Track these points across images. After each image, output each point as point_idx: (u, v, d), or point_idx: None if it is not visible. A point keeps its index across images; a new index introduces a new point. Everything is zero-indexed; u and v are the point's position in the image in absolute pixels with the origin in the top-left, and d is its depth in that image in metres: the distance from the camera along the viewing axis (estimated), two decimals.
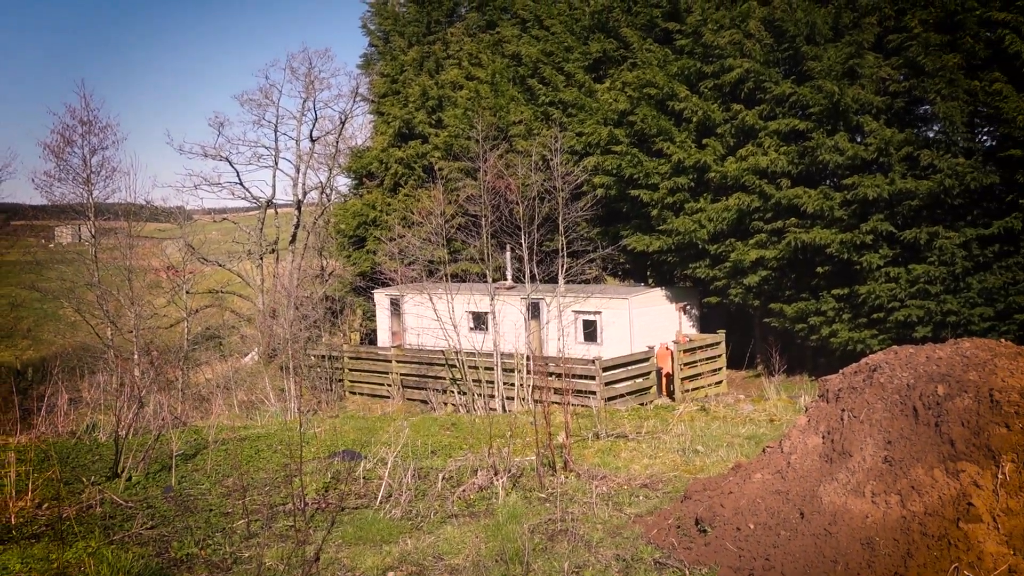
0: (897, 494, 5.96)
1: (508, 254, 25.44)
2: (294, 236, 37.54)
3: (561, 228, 22.57)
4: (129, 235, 27.25)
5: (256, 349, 32.70)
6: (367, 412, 21.39)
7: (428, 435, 13.27)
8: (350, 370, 26.24)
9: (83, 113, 27.43)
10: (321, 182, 38.54)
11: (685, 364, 21.94)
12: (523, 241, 22.39)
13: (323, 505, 8.69)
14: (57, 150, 27.51)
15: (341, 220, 32.49)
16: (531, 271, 22.59)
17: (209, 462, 10.81)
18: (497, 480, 8.95)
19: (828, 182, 21.28)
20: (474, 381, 21.86)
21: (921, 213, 19.39)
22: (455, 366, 22.62)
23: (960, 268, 18.67)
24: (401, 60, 31.32)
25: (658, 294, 24.06)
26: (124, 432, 10.71)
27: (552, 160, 22.74)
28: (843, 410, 6.91)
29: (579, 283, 24.64)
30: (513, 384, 21.10)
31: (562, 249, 22.66)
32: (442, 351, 23.17)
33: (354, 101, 37.77)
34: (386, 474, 9.12)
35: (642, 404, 19.99)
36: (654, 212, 23.32)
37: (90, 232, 28.28)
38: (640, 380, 21.26)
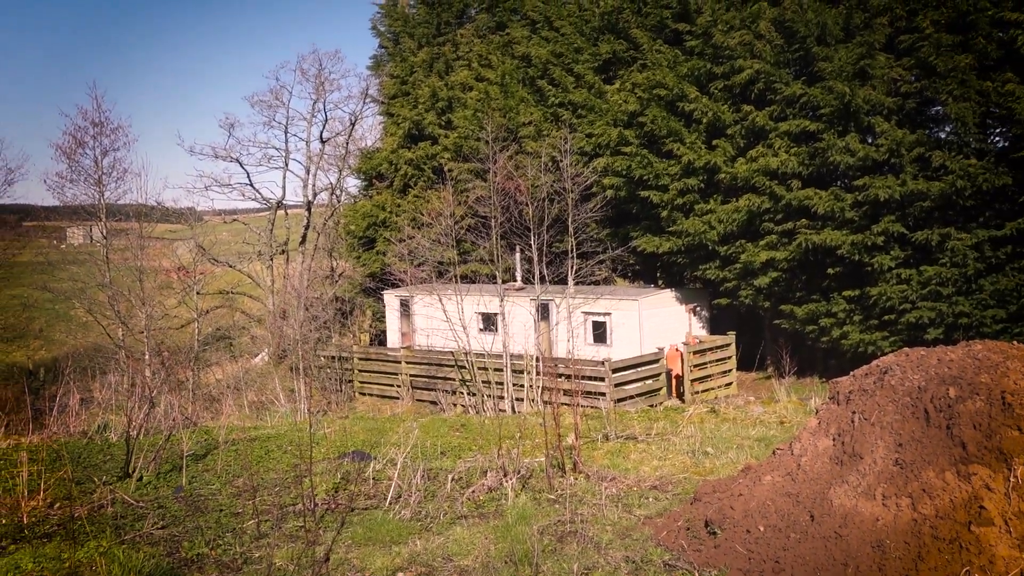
0: (908, 497, 5.94)
1: (518, 255, 25.44)
2: (304, 237, 37.64)
3: (571, 229, 22.56)
4: (140, 236, 27.35)
5: (266, 350, 32.80)
6: (377, 413, 21.41)
7: (437, 436, 13.28)
8: (360, 371, 26.28)
9: (95, 114, 27.64)
10: (331, 183, 38.66)
11: (695, 366, 21.90)
12: (533, 242, 22.39)
13: (333, 506, 8.71)
14: (69, 151, 27.72)
15: (351, 221, 32.56)
16: (541, 272, 22.59)
17: (219, 462, 10.84)
18: (506, 481, 8.95)
19: (839, 183, 21.20)
20: (483, 382, 21.88)
21: (933, 214, 19.30)
22: (464, 367, 22.63)
23: (972, 270, 18.57)
24: (411, 61, 31.36)
25: (668, 295, 24.02)
26: (135, 432, 10.75)
27: (562, 161, 22.73)
28: (854, 412, 6.88)
29: (589, 284, 24.64)
30: (522, 385, 21.09)
31: (572, 250, 22.65)
32: (452, 352, 23.19)
33: (364, 102, 37.89)
34: (396, 475, 9.13)
35: (652, 406, 19.96)
36: (664, 213, 23.28)
37: (101, 233, 28.45)
38: (650, 381, 21.23)
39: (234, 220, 43.66)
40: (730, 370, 23.21)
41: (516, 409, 20.74)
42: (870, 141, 20.07)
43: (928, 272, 19.04)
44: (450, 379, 23.18)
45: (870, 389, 6.96)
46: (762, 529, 6.56)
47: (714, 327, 25.15)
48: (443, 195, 25.43)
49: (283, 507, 8.75)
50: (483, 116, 26.55)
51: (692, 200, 22.84)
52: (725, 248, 22.42)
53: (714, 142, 22.40)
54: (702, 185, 22.68)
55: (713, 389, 22.26)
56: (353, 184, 37.51)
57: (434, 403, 22.81)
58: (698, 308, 24.71)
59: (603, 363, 20.07)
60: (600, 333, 23.15)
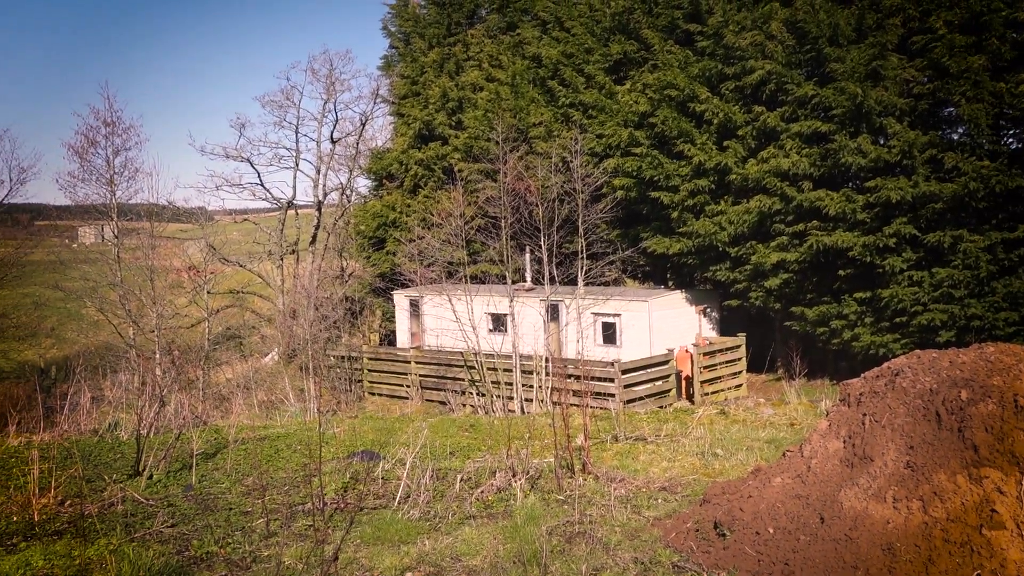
0: (919, 500, 5.90)
1: (527, 256, 25.44)
2: (314, 237, 37.74)
3: (581, 230, 22.54)
4: (151, 235, 27.48)
5: (276, 349, 32.90)
6: (386, 413, 21.45)
7: (447, 436, 13.29)
8: (369, 371, 26.32)
9: (107, 114, 27.84)
10: (341, 183, 38.77)
11: (705, 367, 21.85)
12: (542, 243, 22.38)
13: (342, 505, 8.72)
14: (81, 151, 27.89)
15: (361, 221, 32.62)
16: (550, 273, 22.58)
17: (229, 461, 10.88)
18: (515, 482, 8.95)
19: (851, 184, 21.11)
20: (493, 383, 21.88)
21: (945, 216, 19.19)
22: (474, 367, 22.64)
23: (985, 272, 18.46)
24: (421, 62, 31.40)
25: (678, 296, 23.97)
26: (145, 431, 10.81)
27: (572, 162, 22.71)
28: (865, 415, 6.85)
29: (598, 285, 24.61)
30: (532, 386, 21.09)
31: (581, 251, 22.63)
32: (461, 352, 23.20)
33: (374, 103, 38.00)
34: (405, 475, 9.14)
35: (661, 407, 19.93)
36: (674, 214, 23.22)
37: (113, 232, 28.60)
38: (659, 383, 21.19)
39: (245, 220, 43.83)
40: (740, 372, 23.15)
41: (525, 410, 20.74)
42: (882, 142, 19.98)
43: (940, 274, 18.94)
44: (459, 379, 23.19)
45: (881, 391, 6.93)
46: (771, 531, 6.54)
47: (724, 328, 25.08)
48: (453, 195, 25.45)
49: (292, 506, 8.78)
50: (493, 116, 26.55)
51: (703, 201, 22.78)
52: (736, 249, 22.35)
53: (725, 143, 22.33)
54: (713, 186, 22.62)
55: (723, 391, 22.21)
56: (363, 184, 37.68)
57: (443, 403, 22.83)
58: (708, 309, 24.65)
59: (613, 364, 20.04)
60: (610, 334, 23.12)
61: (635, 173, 23.69)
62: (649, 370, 21.06)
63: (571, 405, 11.34)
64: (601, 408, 17.30)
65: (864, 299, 20.39)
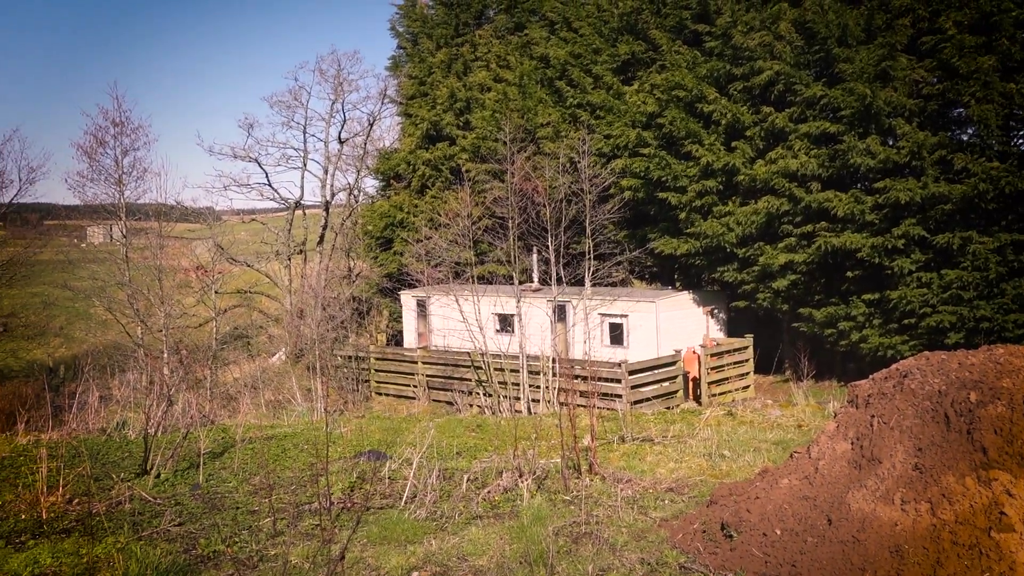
0: (927, 502, 5.88)
1: (535, 256, 25.43)
2: (322, 237, 37.79)
3: (588, 231, 22.52)
4: (159, 235, 27.56)
5: (283, 349, 32.95)
6: (393, 413, 21.46)
7: (453, 436, 13.29)
8: (376, 371, 26.36)
9: (115, 114, 27.91)
10: (349, 183, 38.82)
11: (712, 368, 21.81)
12: (550, 243, 22.37)
13: (348, 504, 8.73)
14: (90, 151, 27.99)
15: (368, 221, 32.67)
16: (558, 273, 22.57)
17: (236, 460, 10.90)
18: (522, 482, 8.94)
19: (859, 186, 21.05)
20: (500, 383, 21.88)
21: (954, 217, 19.11)
22: (481, 368, 22.65)
23: (994, 273, 18.38)
24: (429, 62, 31.42)
25: (685, 297, 23.93)
26: (153, 430, 10.84)
27: (580, 162, 22.70)
28: (873, 416, 6.82)
29: (606, 286, 24.59)
30: (539, 386, 21.08)
31: (589, 252, 22.61)
32: (468, 353, 23.21)
33: (382, 103, 38.02)
34: (411, 475, 9.14)
35: (668, 408, 19.90)
36: (682, 215, 23.19)
37: (121, 232, 28.69)
38: (667, 384, 21.17)
39: (252, 220, 43.87)
40: (747, 373, 23.11)
41: (532, 410, 20.73)
42: (891, 143, 19.92)
43: (949, 276, 18.87)
44: (466, 380, 23.20)
45: (889, 393, 6.90)
46: (779, 532, 6.51)
47: (731, 329, 25.05)
48: (460, 196, 25.46)
49: (299, 505, 8.78)
50: (501, 117, 26.56)
51: (710, 202, 22.74)
52: (743, 250, 22.31)
53: (733, 144, 22.29)
54: (721, 187, 22.58)
55: (730, 392, 22.18)
56: (371, 184, 37.64)
57: (450, 403, 22.84)
58: (715, 310, 24.61)
59: (620, 365, 20.02)
60: (617, 335, 23.09)
61: (643, 174, 23.67)
62: (656, 371, 21.04)
63: (578, 406, 11.33)
64: (608, 409, 17.29)
65: (872, 300, 20.33)
